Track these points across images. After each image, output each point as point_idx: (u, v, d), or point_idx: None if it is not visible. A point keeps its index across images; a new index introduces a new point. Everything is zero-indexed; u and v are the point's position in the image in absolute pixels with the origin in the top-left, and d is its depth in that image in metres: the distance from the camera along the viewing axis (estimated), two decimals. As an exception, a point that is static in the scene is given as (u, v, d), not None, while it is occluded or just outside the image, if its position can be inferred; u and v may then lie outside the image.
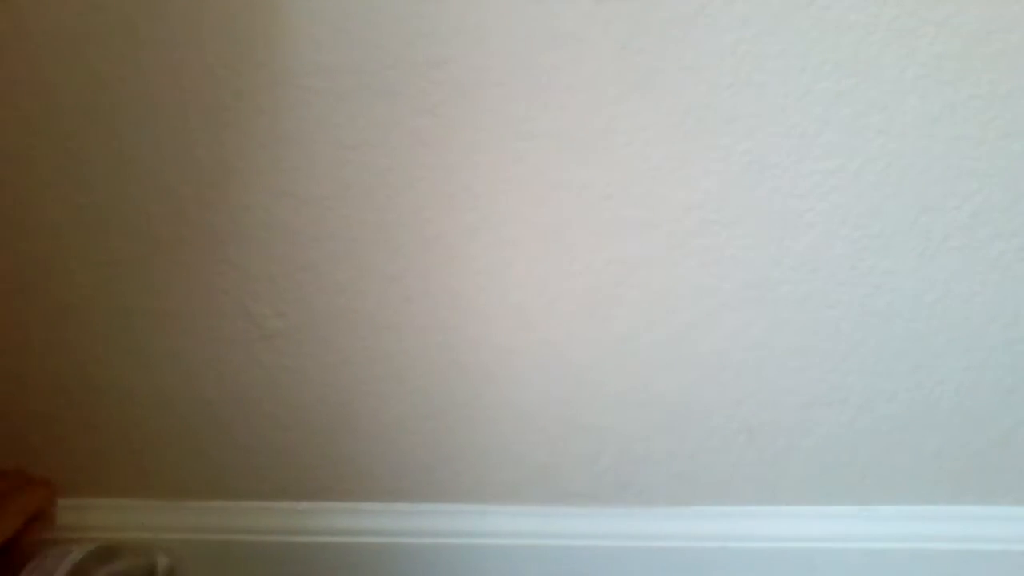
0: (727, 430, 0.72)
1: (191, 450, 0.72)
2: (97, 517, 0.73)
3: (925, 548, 0.73)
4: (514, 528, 0.73)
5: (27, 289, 0.68)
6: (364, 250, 0.67)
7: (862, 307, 0.68)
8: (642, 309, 0.69)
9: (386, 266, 0.68)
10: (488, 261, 0.68)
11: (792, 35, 0.62)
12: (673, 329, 0.69)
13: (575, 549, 0.74)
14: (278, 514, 0.73)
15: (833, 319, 0.69)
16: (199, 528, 0.73)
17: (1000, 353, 0.70)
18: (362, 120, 0.64)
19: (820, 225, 0.66)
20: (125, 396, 0.71)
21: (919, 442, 0.72)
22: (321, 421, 0.71)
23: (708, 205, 0.66)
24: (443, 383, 0.70)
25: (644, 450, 0.72)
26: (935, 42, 0.62)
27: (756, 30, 0.62)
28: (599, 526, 0.74)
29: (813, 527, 0.74)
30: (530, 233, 0.67)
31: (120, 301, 0.68)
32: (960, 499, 0.74)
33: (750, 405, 0.71)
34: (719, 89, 0.63)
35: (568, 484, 0.73)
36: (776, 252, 0.67)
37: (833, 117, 0.64)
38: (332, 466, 0.73)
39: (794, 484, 0.73)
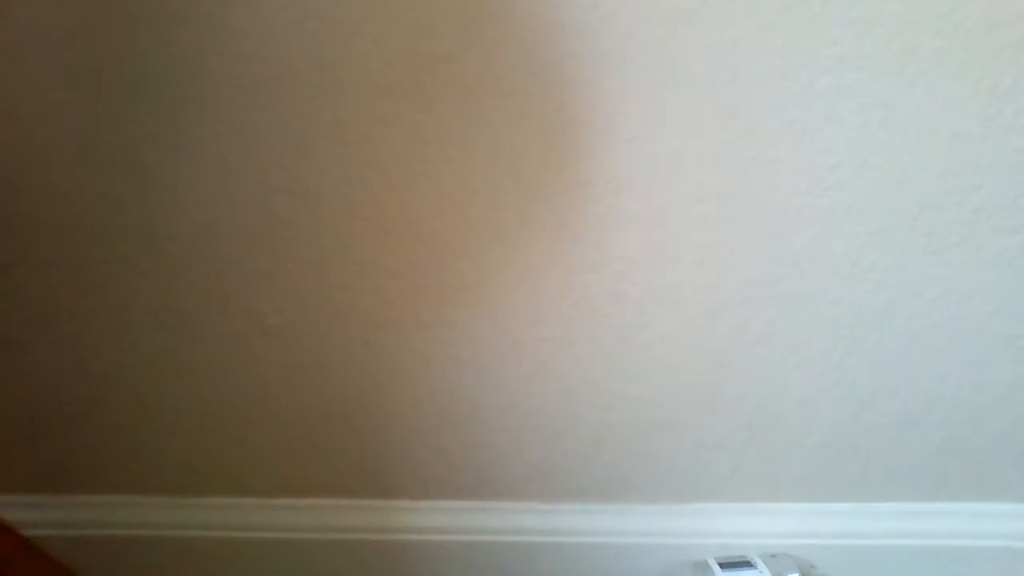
0: (728, 427, 0.72)
1: (190, 447, 0.72)
2: (95, 514, 0.73)
3: (926, 545, 0.73)
4: (515, 525, 0.73)
5: (25, 286, 0.68)
6: (363, 246, 0.67)
7: (863, 303, 0.68)
8: (643, 305, 0.68)
9: (385, 262, 0.68)
10: (487, 257, 0.67)
11: (794, 30, 0.61)
12: (673, 325, 0.69)
13: (576, 546, 0.74)
14: (278, 511, 0.73)
15: (834, 315, 0.68)
16: (198, 525, 0.73)
17: (1002, 349, 0.69)
18: (361, 115, 0.64)
19: (821, 221, 0.66)
20: (123, 393, 0.70)
21: (920, 439, 0.72)
22: (320, 418, 0.71)
23: (709, 201, 0.66)
24: (443, 380, 0.70)
25: (645, 447, 0.72)
26: (937, 37, 0.62)
27: (758, 25, 0.61)
28: (600, 523, 0.74)
29: (814, 524, 0.74)
30: (529, 229, 0.67)
31: (118, 299, 0.68)
32: (962, 496, 0.74)
33: (751, 402, 0.71)
34: (720, 84, 0.63)
35: (569, 481, 0.73)
36: (777, 248, 0.67)
37: (834, 113, 0.63)
38: (332, 463, 0.72)
39: (795, 481, 0.73)
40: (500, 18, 0.62)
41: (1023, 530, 0.74)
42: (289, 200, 0.66)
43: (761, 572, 0.69)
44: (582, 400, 0.71)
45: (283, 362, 0.70)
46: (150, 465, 0.72)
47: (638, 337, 0.69)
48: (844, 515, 0.74)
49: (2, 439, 0.72)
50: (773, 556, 0.71)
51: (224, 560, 0.72)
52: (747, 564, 0.70)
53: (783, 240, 0.67)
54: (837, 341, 0.69)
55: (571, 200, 0.66)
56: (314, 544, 0.73)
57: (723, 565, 0.70)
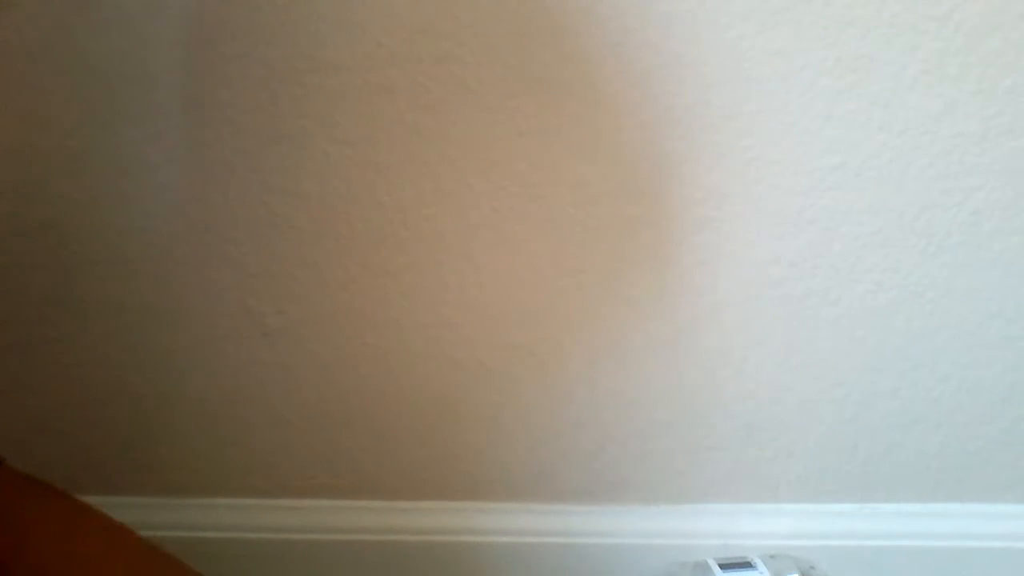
0: (727, 428, 0.72)
1: (189, 447, 0.72)
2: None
3: (926, 546, 0.73)
4: (513, 526, 0.73)
5: (25, 286, 0.68)
6: (364, 247, 0.67)
7: (863, 304, 0.68)
8: (641, 306, 0.68)
9: (386, 263, 0.68)
10: (488, 258, 0.67)
11: (793, 31, 0.62)
12: (672, 326, 0.69)
13: (574, 547, 0.74)
14: (277, 512, 0.73)
15: (833, 316, 0.68)
16: (198, 526, 0.72)
17: (1002, 350, 0.69)
18: (362, 116, 0.64)
19: (821, 222, 0.66)
20: (123, 394, 0.70)
21: (920, 440, 0.72)
22: (321, 418, 0.71)
23: (708, 202, 0.66)
24: (443, 380, 0.70)
25: (643, 448, 0.72)
26: (937, 38, 0.62)
27: (757, 26, 0.61)
28: (598, 524, 0.74)
29: (814, 524, 0.74)
30: (529, 230, 0.67)
31: (119, 299, 0.68)
32: (961, 497, 0.74)
33: (750, 403, 0.71)
34: (719, 85, 0.63)
35: (567, 482, 0.73)
36: (776, 249, 0.67)
37: (834, 113, 0.63)
38: (331, 464, 0.72)
39: (794, 482, 0.73)
40: (500, 18, 0.62)
41: (1023, 531, 0.74)
42: (290, 201, 0.66)
43: (761, 573, 0.69)
44: (580, 401, 0.71)
45: (283, 362, 0.70)
46: (149, 465, 0.72)
47: (638, 338, 0.69)
48: (844, 516, 0.74)
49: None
50: (773, 557, 0.71)
51: (223, 560, 0.72)
52: (747, 565, 0.70)
53: (782, 241, 0.67)
54: (836, 342, 0.69)
55: (569, 201, 0.66)
56: (313, 545, 0.73)
57: (723, 566, 0.70)
